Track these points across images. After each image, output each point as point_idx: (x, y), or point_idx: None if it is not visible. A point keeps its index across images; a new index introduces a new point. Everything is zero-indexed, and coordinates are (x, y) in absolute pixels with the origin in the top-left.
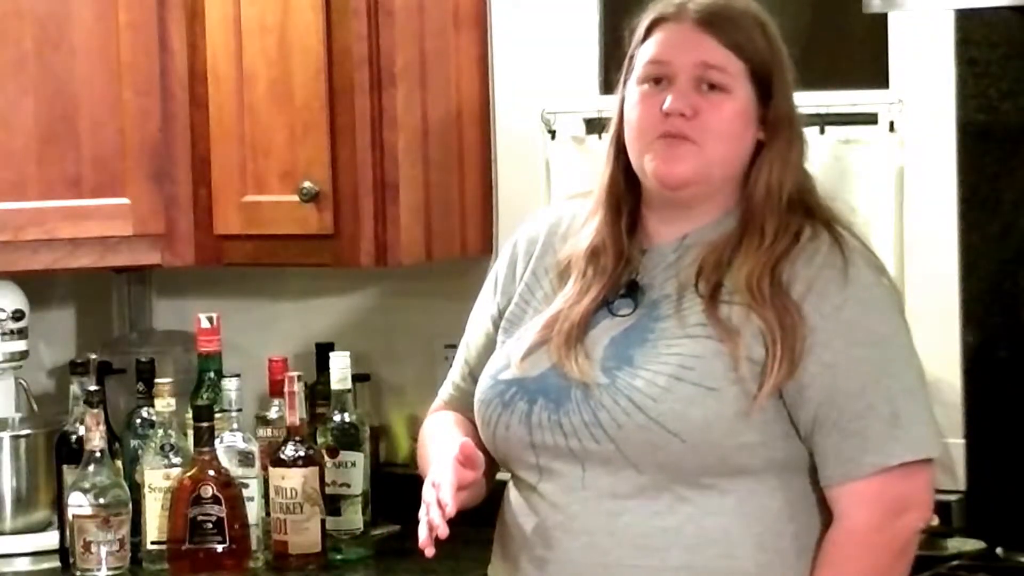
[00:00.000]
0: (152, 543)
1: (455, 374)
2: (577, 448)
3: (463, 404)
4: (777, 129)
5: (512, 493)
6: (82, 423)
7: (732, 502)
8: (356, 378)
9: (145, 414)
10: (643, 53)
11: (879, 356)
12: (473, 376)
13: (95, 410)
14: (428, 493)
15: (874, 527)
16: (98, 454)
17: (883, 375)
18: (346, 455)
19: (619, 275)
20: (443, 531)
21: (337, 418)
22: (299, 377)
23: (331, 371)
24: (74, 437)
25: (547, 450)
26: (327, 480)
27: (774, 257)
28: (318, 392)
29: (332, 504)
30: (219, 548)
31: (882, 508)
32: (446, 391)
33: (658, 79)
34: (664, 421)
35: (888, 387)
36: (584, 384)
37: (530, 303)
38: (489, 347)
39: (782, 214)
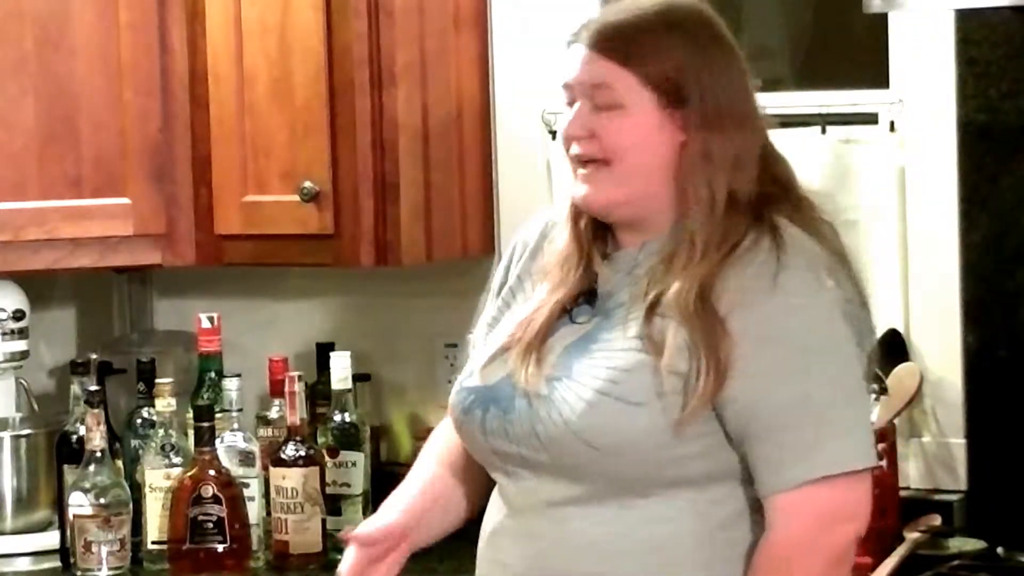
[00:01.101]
0: (153, 543)
1: (462, 375)
2: (524, 456)
3: None
4: (698, 130)
5: (494, 494)
6: (83, 423)
7: (677, 511)
8: (357, 378)
9: (146, 414)
10: None
11: (806, 366)
12: None
13: (96, 410)
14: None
15: (800, 539)
16: (99, 454)
17: (809, 385)
18: (346, 455)
19: (581, 281)
20: None
21: (338, 418)
22: (300, 377)
23: (332, 371)
24: (75, 437)
25: (504, 456)
26: (328, 480)
27: (703, 273)
28: (318, 392)
29: (333, 504)
30: (220, 548)
31: (808, 520)
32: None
33: (569, 103)
34: (586, 436)
35: (814, 398)
36: (527, 393)
37: (511, 306)
38: None
39: (717, 221)
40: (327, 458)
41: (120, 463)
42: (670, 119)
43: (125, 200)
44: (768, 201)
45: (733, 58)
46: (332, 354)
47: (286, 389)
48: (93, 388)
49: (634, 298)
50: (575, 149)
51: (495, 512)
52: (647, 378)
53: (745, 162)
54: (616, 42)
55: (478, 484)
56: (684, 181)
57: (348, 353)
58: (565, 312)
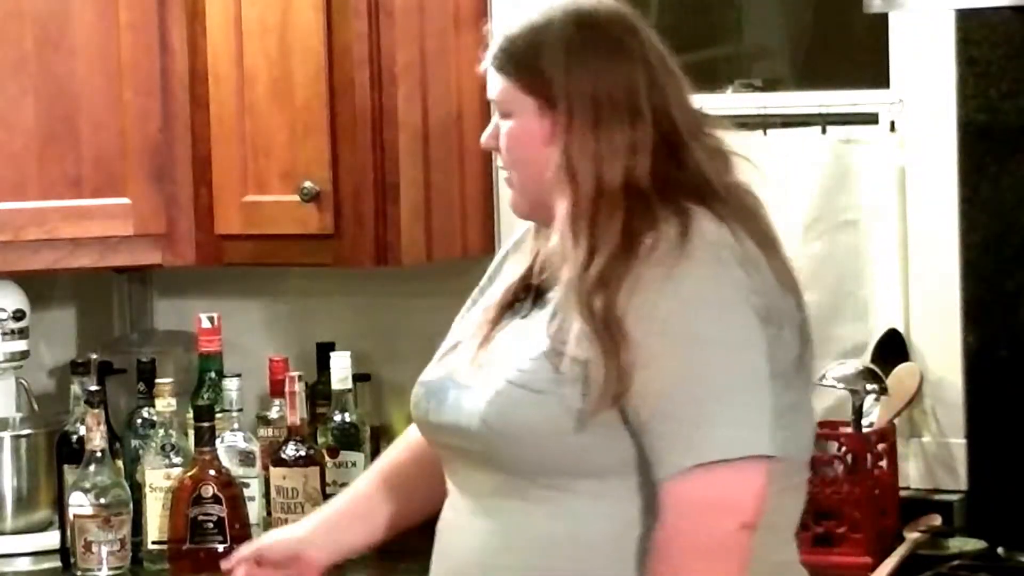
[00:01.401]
0: (153, 543)
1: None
2: (455, 447)
3: None
4: (574, 130)
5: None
6: (83, 423)
7: (585, 503)
8: (357, 378)
9: (146, 414)
10: None
11: (696, 356)
12: None
13: (96, 410)
14: None
15: (679, 529)
16: (99, 454)
17: (693, 375)
18: (347, 455)
19: (526, 278)
20: None
21: (338, 418)
22: (300, 377)
23: (332, 371)
24: (75, 437)
25: (444, 448)
26: (328, 480)
27: (600, 266)
28: (319, 392)
29: None
30: (220, 548)
31: (685, 509)
32: None
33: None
34: (491, 423)
35: (696, 387)
36: (458, 385)
37: (477, 303)
38: None
39: (609, 214)
40: (327, 458)
41: (120, 463)
42: (551, 123)
43: (125, 200)
44: (682, 192)
45: (617, 55)
46: (332, 354)
47: (286, 389)
48: (93, 388)
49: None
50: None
51: (445, 505)
52: (550, 367)
53: (634, 155)
54: (501, 55)
55: (412, 500)
56: (571, 179)
57: (348, 353)
58: (511, 307)
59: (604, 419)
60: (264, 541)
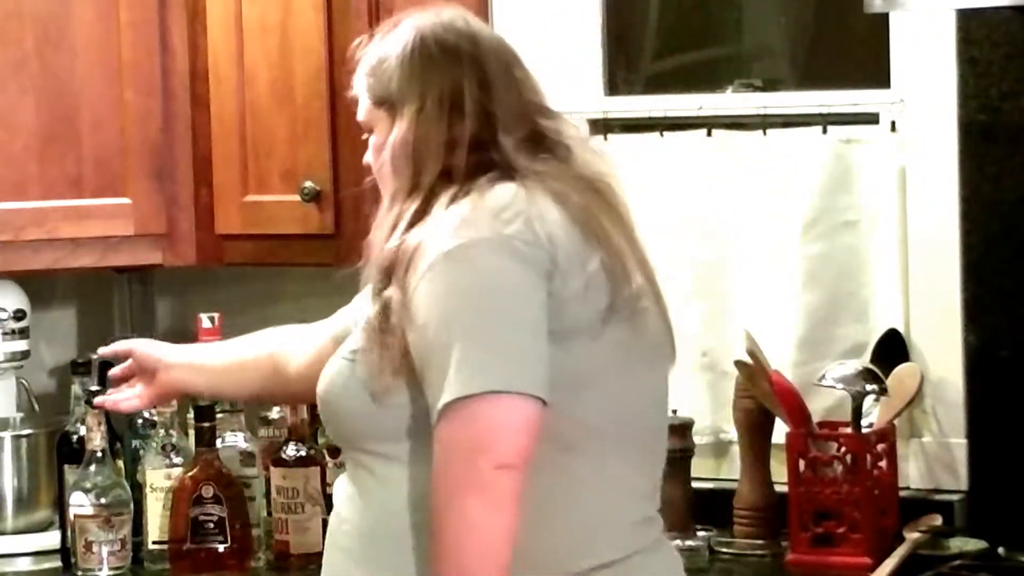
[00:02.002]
0: (153, 543)
1: None
2: None
3: None
4: (394, 128)
5: None
6: (83, 423)
7: (415, 467)
8: None
9: (146, 414)
10: None
11: (443, 306)
12: None
13: (96, 410)
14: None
15: (438, 469)
16: (99, 454)
17: (443, 323)
18: None
19: None
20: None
21: None
22: None
23: None
24: (75, 437)
25: None
26: (328, 480)
27: (387, 255)
28: None
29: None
30: (221, 548)
31: (441, 450)
32: None
33: None
34: (320, 392)
35: (445, 333)
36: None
37: None
38: None
39: (414, 205)
40: (328, 458)
41: (121, 463)
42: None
43: (126, 200)
44: (489, 176)
45: (448, 62)
46: None
47: None
48: (94, 388)
49: None
50: None
51: None
52: (358, 335)
53: (452, 152)
54: (359, 77)
55: (264, 387)
56: (393, 173)
57: None
58: None
59: (401, 386)
60: (138, 345)
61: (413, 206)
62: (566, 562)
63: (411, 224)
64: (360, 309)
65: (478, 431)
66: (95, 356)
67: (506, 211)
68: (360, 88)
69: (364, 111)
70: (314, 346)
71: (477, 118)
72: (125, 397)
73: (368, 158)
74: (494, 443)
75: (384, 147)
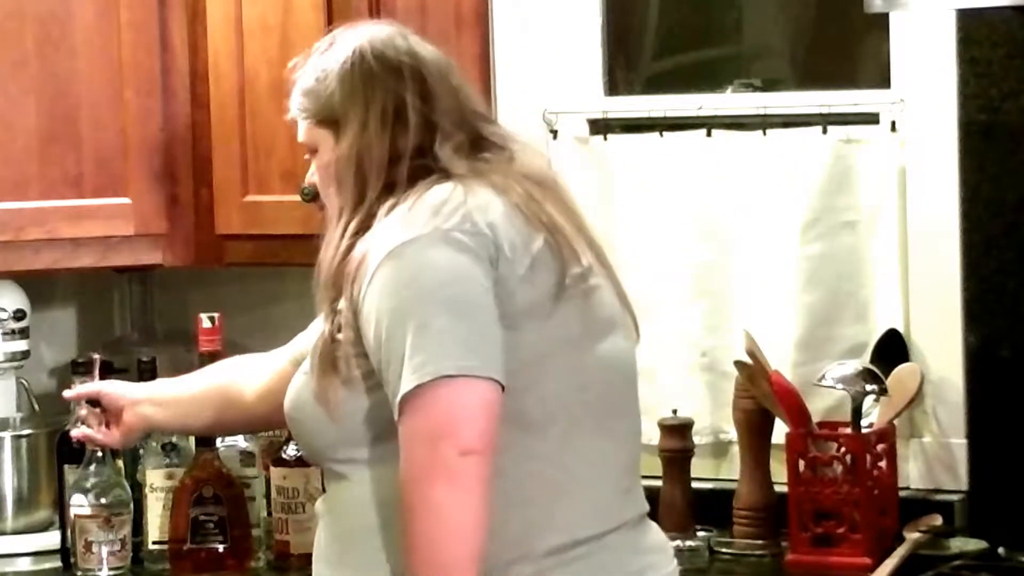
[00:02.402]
0: (153, 543)
1: None
2: None
3: None
4: (338, 145)
5: None
6: (84, 423)
7: (377, 470)
8: None
9: None
10: None
11: (389, 303)
12: None
13: (97, 409)
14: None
15: (404, 461)
16: (99, 454)
17: (392, 319)
18: None
19: None
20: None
21: None
22: None
23: None
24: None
25: None
26: None
27: (335, 260)
28: None
29: None
30: (220, 548)
31: (405, 442)
32: None
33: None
34: (286, 409)
35: (396, 329)
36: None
37: None
38: None
39: (363, 211)
40: None
41: (121, 463)
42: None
43: (126, 200)
44: (428, 180)
45: (389, 76)
46: None
47: None
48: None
49: None
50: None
51: None
52: (315, 350)
53: (395, 164)
54: (299, 99)
55: (222, 421)
56: (339, 188)
57: None
58: None
59: (374, 383)
60: (104, 387)
61: (357, 218)
62: (537, 541)
63: (355, 236)
64: (316, 330)
65: (437, 417)
66: (96, 356)
67: (444, 207)
68: (296, 108)
69: (304, 132)
70: (271, 371)
71: (419, 130)
72: (99, 436)
73: (311, 178)
74: (455, 428)
75: (329, 165)
